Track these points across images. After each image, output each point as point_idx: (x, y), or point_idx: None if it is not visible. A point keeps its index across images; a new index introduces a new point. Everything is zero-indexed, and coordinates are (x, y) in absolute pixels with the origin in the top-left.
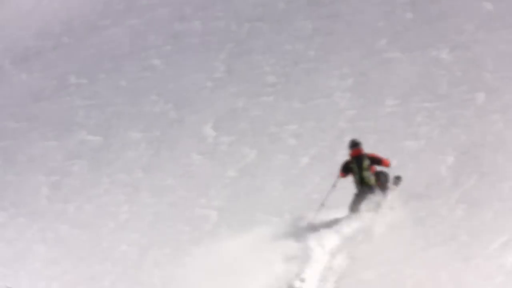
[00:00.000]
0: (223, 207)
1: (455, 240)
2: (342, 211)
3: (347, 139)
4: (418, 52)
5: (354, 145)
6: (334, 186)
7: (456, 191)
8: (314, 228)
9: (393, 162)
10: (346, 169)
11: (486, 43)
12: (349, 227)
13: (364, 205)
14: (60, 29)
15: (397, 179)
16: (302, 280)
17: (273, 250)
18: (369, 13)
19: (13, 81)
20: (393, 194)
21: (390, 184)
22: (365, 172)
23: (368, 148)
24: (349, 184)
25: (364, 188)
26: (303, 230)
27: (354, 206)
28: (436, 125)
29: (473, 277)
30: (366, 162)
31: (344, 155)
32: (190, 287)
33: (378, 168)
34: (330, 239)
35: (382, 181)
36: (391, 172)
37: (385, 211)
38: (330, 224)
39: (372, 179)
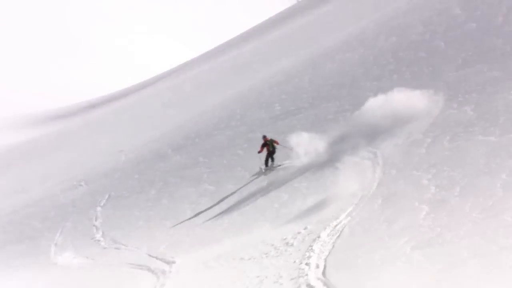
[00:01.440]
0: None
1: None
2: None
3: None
4: None
5: (264, 136)
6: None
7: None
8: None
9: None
10: (263, 147)
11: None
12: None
13: (272, 161)
14: (180, 136)
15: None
16: (306, 228)
17: None
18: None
19: (171, 161)
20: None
21: (288, 149)
22: (274, 144)
23: None
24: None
25: (272, 151)
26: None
27: (267, 160)
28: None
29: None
30: (273, 141)
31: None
32: None
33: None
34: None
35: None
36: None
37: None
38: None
39: (275, 146)
